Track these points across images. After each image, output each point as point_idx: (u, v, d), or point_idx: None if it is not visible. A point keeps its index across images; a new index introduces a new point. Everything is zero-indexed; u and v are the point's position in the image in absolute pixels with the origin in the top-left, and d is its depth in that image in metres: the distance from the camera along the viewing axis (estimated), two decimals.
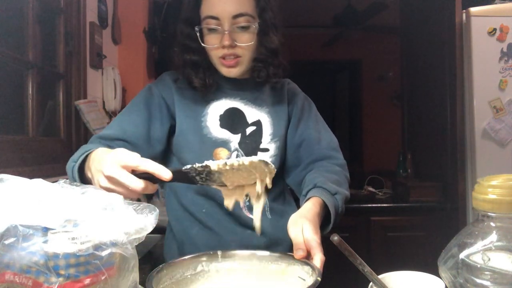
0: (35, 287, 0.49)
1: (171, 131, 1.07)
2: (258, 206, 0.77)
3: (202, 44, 1.04)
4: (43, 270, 0.48)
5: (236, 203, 1.04)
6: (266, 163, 0.70)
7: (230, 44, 1.00)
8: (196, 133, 1.05)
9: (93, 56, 2.10)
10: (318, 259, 0.76)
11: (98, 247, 0.51)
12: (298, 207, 1.17)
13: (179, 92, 1.08)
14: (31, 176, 0.58)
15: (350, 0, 3.27)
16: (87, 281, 0.50)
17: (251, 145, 1.07)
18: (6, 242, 0.48)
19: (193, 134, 1.05)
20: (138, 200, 0.79)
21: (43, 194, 0.54)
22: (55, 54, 1.90)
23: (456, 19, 2.22)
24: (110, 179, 0.71)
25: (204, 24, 1.02)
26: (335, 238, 0.64)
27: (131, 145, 0.99)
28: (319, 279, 0.64)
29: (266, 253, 0.79)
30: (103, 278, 0.51)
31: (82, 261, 0.50)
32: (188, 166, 0.70)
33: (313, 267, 0.70)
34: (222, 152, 1.05)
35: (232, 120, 1.08)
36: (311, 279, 0.68)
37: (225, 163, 0.69)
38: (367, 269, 0.65)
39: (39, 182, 0.56)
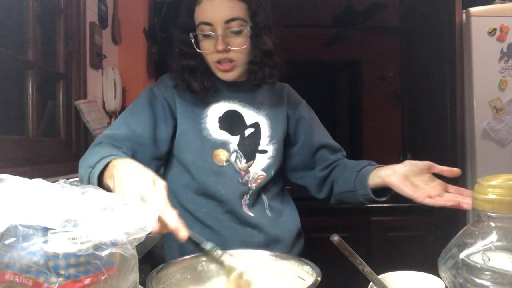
0: (35, 287, 0.49)
1: (174, 131, 1.08)
2: None
3: (198, 50, 1.06)
4: (43, 270, 0.48)
5: (236, 201, 1.05)
6: None
7: (223, 48, 1.02)
8: (196, 134, 1.07)
9: (93, 56, 2.10)
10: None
11: (98, 247, 0.51)
12: (297, 205, 1.19)
13: (180, 94, 1.10)
14: (31, 176, 0.58)
15: (350, 0, 3.27)
16: (87, 281, 0.50)
17: (249, 146, 1.09)
18: (6, 242, 0.48)
19: (193, 135, 1.07)
20: None
21: (43, 194, 0.54)
22: (55, 54, 1.90)
23: (456, 19, 2.22)
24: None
25: (198, 30, 1.05)
26: (335, 238, 0.64)
27: (139, 146, 1.01)
28: (319, 279, 0.64)
29: (266, 253, 0.79)
30: (103, 278, 0.51)
31: (82, 261, 0.50)
32: (209, 246, 0.71)
33: (313, 267, 0.70)
34: (221, 153, 1.07)
35: (231, 122, 1.10)
36: (311, 279, 0.68)
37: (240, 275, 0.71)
38: (367, 269, 0.65)
39: (39, 182, 0.56)
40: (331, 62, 3.89)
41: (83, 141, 1.99)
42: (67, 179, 0.62)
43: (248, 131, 1.11)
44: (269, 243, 1.06)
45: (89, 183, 0.82)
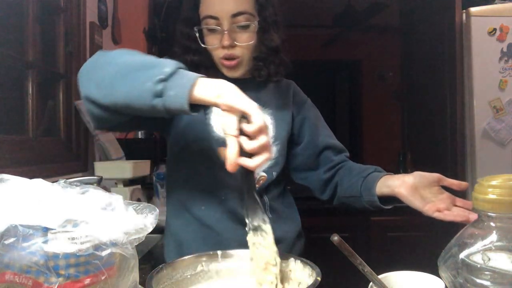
0: (35, 287, 0.49)
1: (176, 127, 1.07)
2: None
3: (202, 45, 1.03)
4: (43, 270, 0.48)
5: (237, 200, 1.04)
6: None
7: (229, 44, 0.99)
8: (201, 129, 1.04)
9: None
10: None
11: (98, 247, 0.51)
12: (297, 205, 1.18)
13: None
14: (31, 176, 0.58)
15: (350, 0, 3.27)
16: (87, 281, 0.50)
17: None
18: (6, 242, 0.48)
19: (198, 129, 1.05)
20: (138, 200, 0.80)
21: (43, 194, 0.54)
22: (55, 54, 1.90)
23: (456, 19, 2.22)
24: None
25: (203, 24, 1.01)
26: (335, 238, 0.64)
27: None
28: (319, 279, 0.64)
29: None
30: (103, 278, 0.51)
31: (82, 261, 0.50)
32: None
33: (313, 267, 0.70)
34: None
35: None
36: (311, 279, 0.68)
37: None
38: (367, 269, 0.65)
39: (39, 182, 0.56)
40: (331, 62, 3.90)
41: (83, 141, 1.99)
42: (67, 179, 0.62)
43: None
44: None
45: (147, 103, 0.73)
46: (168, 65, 0.74)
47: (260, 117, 0.68)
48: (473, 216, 0.81)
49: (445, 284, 0.61)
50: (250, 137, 0.69)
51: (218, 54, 1.02)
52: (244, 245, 1.01)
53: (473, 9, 2.15)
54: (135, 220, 0.56)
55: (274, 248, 0.73)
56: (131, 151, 2.13)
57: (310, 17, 3.42)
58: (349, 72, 4.00)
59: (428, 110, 2.78)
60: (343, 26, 3.39)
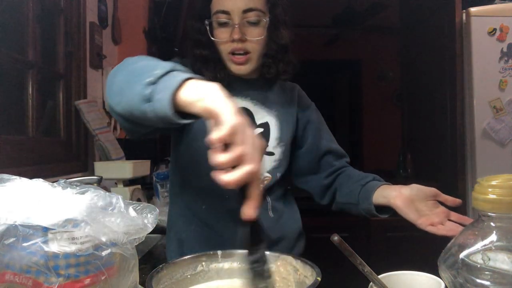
0: (35, 287, 0.49)
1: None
2: None
3: (212, 38, 1.03)
4: (43, 270, 0.48)
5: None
6: None
7: (240, 37, 0.99)
8: (205, 130, 1.04)
9: (93, 56, 2.10)
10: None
11: (98, 247, 0.51)
12: (299, 207, 1.18)
13: None
14: (31, 176, 0.58)
15: (350, 0, 3.27)
16: (87, 281, 0.50)
17: None
18: (6, 242, 0.48)
19: (203, 129, 1.04)
20: (138, 200, 0.80)
21: (43, 194, 0.54)
22: (55, 54, 1.90)
23: (456, 19, 2.22)
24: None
25: (214, 19, 1.02)
26: (335, 238, 0.64)
27: None
28: (319, 279, 0.64)
29: (266, 253, 0.79)
30: (103, 278, 0.51)
31: (82, 261, 0.50)
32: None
33: (313, 267, 0.70)
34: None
35: None
36: (310, 279, 0.68)
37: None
38: (367, 269, 0.65)
39: (39, 182, 0.56)
40: (331, 62, 3.90)
41: (83, 141, 1.99)
42: (67, 179, 0.62)
43: (257, 131, 1.08)
44: (270, 244, 1.05)
45: (143, 112, 0.66)
46: (161, 67, 0.67)
47: (232, 119, 0.57)
48: None
49: (445, 284, 0.61)
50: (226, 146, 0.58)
51: (227, 48, 1.02)
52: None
53: (473, 9, 2.15)
54: (135, 220, 0.56)
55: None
56: (131, 151, 2.13)
57: (310, 17, 3.42)
58: (349, 72, 4.01)
59: (428, 110, 2.78)
60: (343, 26, 3.39)
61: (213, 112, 0.59)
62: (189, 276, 0.75)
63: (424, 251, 2.36)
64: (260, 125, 1.09)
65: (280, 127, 1.11)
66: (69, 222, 0.50)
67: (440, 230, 0.86)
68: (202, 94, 0.62)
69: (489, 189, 0.55)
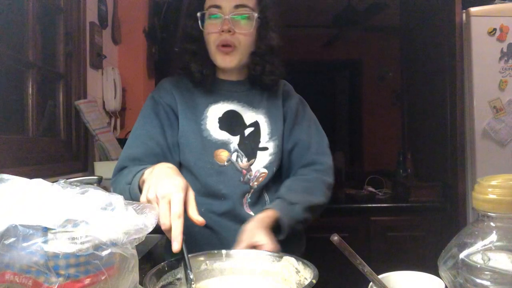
0: (35, 287, 0.49)
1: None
2: None
3: (202, 30, 1.08)
4: (43, 270, 0.48)
5: (238, 200, 1.05)
6: None
7: (228, 28, 1.04)
8: (196, 136, 1.07)
9: (93, 56, 2.10)
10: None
11: (98, 247, 0.51)
12: None
13: (180, 96, 1.11)
14: (31, 176, 0.58)
15: (350, 0, 3.27)
16: (87, 281, 0.50)
17: (250, 145, 1.10)
18: (6, 242, 0.48)
19: (194, 136, 1.07)
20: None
21: (43, 194, 0.54)
22: (55, 54, 1.90)
23: (456, 19, 2.22)
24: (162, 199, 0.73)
25: (206, 13, 1.07)
26: (335, 238, 0.64)
27: (160, 157, 1.03)
28: (314, 281, 0.64)
29: (268, 253, 0.80)
30: (103, 278, 0.51)
31: (82, 261, 0.50)
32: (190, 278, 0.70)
33: (312, 269, 0.70)
34: (222, 153, 1.07)
35: (231, 122, 1.10)
36: (308, 281, 0.68)
37: None
38: (367, 269, 0.65)
39: (39, 182, 0.56)
40: (331, 62, 3.89)
41: (83, 141, 1.99)
42: (67, 179, 0.62)
43: (248, 131, 1.11)
44: None
45: (131, 198, 0.87)
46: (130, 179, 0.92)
47: (144, 194, 0.77)
48: None
49: (445, 284, 0.61)
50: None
51: (216, 39, 1.06)
52: None
53: (473, 9, 2.14)
54: (135, 220, 0.56)
55: None
56: None
57: (310, 17, 3.42)
58: (349, 72, 4.00)
59: (428, 110, 2.78)
60: (343, 26, 3.39)
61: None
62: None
63: (424, 251, 2.37)
64: (250, 125, 1.12)
65: (269, 122, 1.13)
66: (69, 222, 0.50)
67: None
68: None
69: (489, 189, 0.55)
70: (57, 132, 1.89)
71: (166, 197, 0.72)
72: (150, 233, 0.58)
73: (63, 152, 1.85)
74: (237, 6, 1.05)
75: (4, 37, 1.52)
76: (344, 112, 4.06)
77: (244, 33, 1.06)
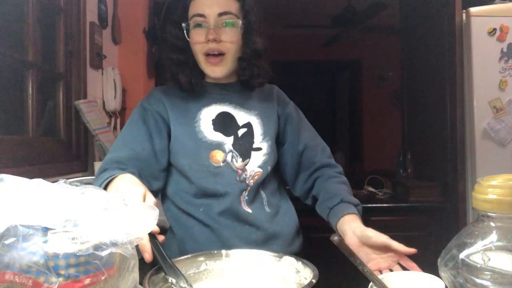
0: (35, 287, 0.49)
1: (169, 139, 1.10)
2: None
3: (187, 39, 1.08)
4: (43, 270, 0.48)
5: (236, 197, 1.06)
6: None
7: (214, 37, 1.04)
8: (191, 138, 1.08)
9: (93, 56, 2.10)
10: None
11: (98, 247, 0.51)
12: (297, 205, 1.19)
13: (170, 103, 1.12)
14: (31, 176, 0.58)
15: (350, 0, 3.27)
16: (87, 281, 0.50)
17: (244, 145, 1.11)
18: (6, 242, 0.48)
19: (189, 139, 1.07)
20: None
21: (43, 194, 0.54)
22: (55, 54, 1.90)
23: (456, 19, 2.22)
24: None
25: (191, 22, 1.07)
26: (335, 238, 0.64)
27: (143, 163, 1.04)
28: (314, 281, 0.64)
29: (269, 253, 0.80)
30: (103, 278, 0.51)
31: (82, 261, 0.50)
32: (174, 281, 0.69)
33: (312, 269, 0.70)
34: (217, 154, 1.07)
35: (224, 123, 1.11)
36: (307, 280, 0.68)
37: None
38: (367, 269, 0.65)
39: (39, 182, 0.56)
40: (331, 62, 3.90)
41: (83, 141, 1.99)
42: (67, 179, 0.62)
43: (241, 131, 1.12)
44: (267, 240, 1.07)
45: None
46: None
47: None
48: None
49: (445, 284, 0.61)
50: None
51: (202, 49, 1.07)
52: (244, 240, 1.03)
53: (473, 9, 2.14)
54: (135, 220, 0.56)
55: None
56: None
57: (310, 17, 3.42)
58: (349, 72, 4.00)
59: (428, 110, 2.78)
60: (343, 26, 3.39)
61: None
62: (192, 274, 0.75)
63: (424, 251, 2.36)
64: (243, 126, 1.13)
65: (262, 123, 1.14)
66: (69, 222, 0.50)
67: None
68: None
69: (489, 189, 0.55)
70: (57, 132, 1.89)
71: None
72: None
73: (63, 152, 1.85)
74: (221, 14, 1.05)
75: (4, 37, 1.52)
76: (344, 112, 4.06)
77: (231, 41, 1.06)
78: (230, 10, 1.06)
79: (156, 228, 0.71)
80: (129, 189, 0.81)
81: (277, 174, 1.19)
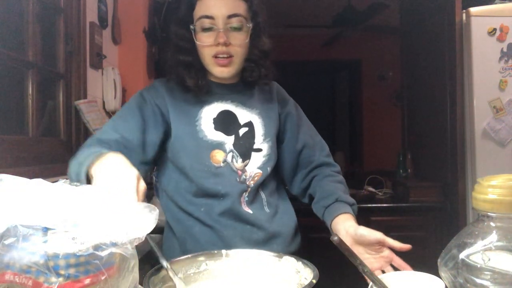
0: (35, 287, 0.49)
1: (165, 137, 1.09)
2: None
3: (196, 42, 1.06)
4: (43, 270, 0.48)
5: (236, 198, 1.06)
6: None
7: (224, 41, 1.03)
8: (191, 137, 1.07)
9: (93, 56, 2.10)
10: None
11: (98, 247, 0.51)
12: (297, 205, 1.19)
13: (172, 99, 1.10)
14: (31, 176, 0.58)
15: (350, 0, 3.27)
16: (87, 281, 0.50)
17: (245, 145, 1.10)
18: (6, 242, 0.48)
19: (189, 138, 1.07)
20: None
21: (43, 194, 0.54)
22: (55, 54, 1.90)
23: (456, 19, 2.22)
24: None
25: (198, 24, 1.05)
26: (335, 238, 0.64)
27: (127, 150, 1.01)
28: (314, 281, 0.64)
29: (269, 253, 0.80)
30: (103, 278, 0.51)
31: (82, 261, 0.50)
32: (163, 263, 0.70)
33: (312, 269, 0.70)
34: (218, 154, 1.07)
35: (225, 122, 1.11)
36: (307, 280, 0.68)
37: None
38: (367, 269, 0.65)
39: (39, 182, 0.56)
40: (331, 62, 3.89)
41: (83, 141, 1.99)
42: (67, 179, 0.62)
43: (242, 131, 1.11)
44: (268, 239, 1.07)
45: (77, 179, 0.83)
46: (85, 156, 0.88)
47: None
48: None
49: (445, 284, 0.61)
50: None
51: (211, 52, 1.05)
52: (246, 240, 1.03)
53: (473, 9, 2.14)
54: (135, 220, 0.56)
55: None
56: None
57: (310, 17, 3.42)
58: (349, 72, 4.00)
59: (428, 110, 2.78)
60: (343, 26, 3.39)
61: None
62: (192, 274, 0.75)
63: (424, 251, 2.37)
64: (245, 125, 1.12)
65: (263, 123, 1.14)
66: (69, 222, 0.50)
67: None
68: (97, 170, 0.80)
69: (489, 189, 0.55)
70: (57, 132, 1.89)
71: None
72: (150, 233, 0.58)
73: (63, 152, 1.85)
74: (230, 16, 1.03)
75: (4, 37, 1.52)
76: (344, 112, 4.06)
77: (239, 44, 1.05)
78: (239, 11, 1.04)
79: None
80: (121, 170, 0.76)
81: (277, 175, 1.19)
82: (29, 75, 1.66)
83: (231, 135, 1.10)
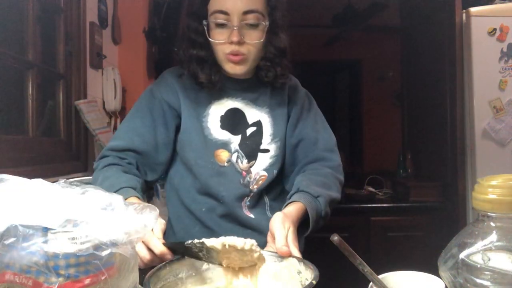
0: (35, 287, 0.49)
1: (177, 131, 1.08)
2: None
3: (209, 39, 1.02)
4: (43, 270, 0.48)
5: (236, 203, 1.04)
6: (252, 250, 0.70)
7: (238, 40, 0.98)
8: (198, 133, 1.05)
9: (93, 56, 2.10)
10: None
11: (98, 247, 0.51)
12: None
13: (184, 90, 1.07)
14: (31, 176, 0.58)
15: (350, 0, 3.27)
16: (87, 281, 0.50)
17: (251, 146, 1.07)
18: (6, 242, 0.48)
19: (196, 134, 1.05)
20: None
21: (43, 194, 0.54)
22: (55, 54, 1.90)
23: (456, 19, 2.22)
24: None
25: (212, 19, 1.00)
26: (335, 238, 0.64)
27: (141, 155, 1.02)
28: (314, 282, 0.64)
29: (269, 253, 0.79)
30: (103, 278, 0.51)
31: (82, 261, 0.50)
32: (189, 242, 0.72)
33: (313, 269, 0.70)
34: (222, 153, 1.05)
35: (233, 121, 1.08)
36: (308, 281, 0.68)
37: (223, 243, 0.69)
38: (367, 269, 0.65)
39: (39, 182, 0.56)
40: (331, 62, 3.89)
41: (83, 141, 1.99)
42: (67, 179, 0.62)
43: (250, 130, 1.09)
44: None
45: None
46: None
47: None
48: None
49: (445, 284, 0.61)
50: None
51: (224, 49, 1.01)
52: None
53: (473, 9, 2.14)
54: (135, 220, 0.56)
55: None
56: None
57: (310, 17, 3.41)
58: (349, 72, 4.00)
59: (428, 110, 2.78)
60: (343, 26, 3.39)
61: None
62: (193, 274, 0.75)
63: (424, 251, 2.37)
64: (253, 124, 1.09)
65: (272, 123, 1.10)
66: (69, 222, 0.50)
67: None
68: None
69: (489, 189, 0.55)
70: (57, 132, 1.89)
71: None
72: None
73: (63, 152, 1.85)
74: (246, 12, 0.97)
75: (4, 37, 1.52)
76: (344, 112, 4.06)
77: (254, 43, 1.00)
78: (256, 7, 0.98)
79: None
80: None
81: (282, 177, 1.15)
82: (29, 75, 1.66)
83: (237, 134, 1.07)
